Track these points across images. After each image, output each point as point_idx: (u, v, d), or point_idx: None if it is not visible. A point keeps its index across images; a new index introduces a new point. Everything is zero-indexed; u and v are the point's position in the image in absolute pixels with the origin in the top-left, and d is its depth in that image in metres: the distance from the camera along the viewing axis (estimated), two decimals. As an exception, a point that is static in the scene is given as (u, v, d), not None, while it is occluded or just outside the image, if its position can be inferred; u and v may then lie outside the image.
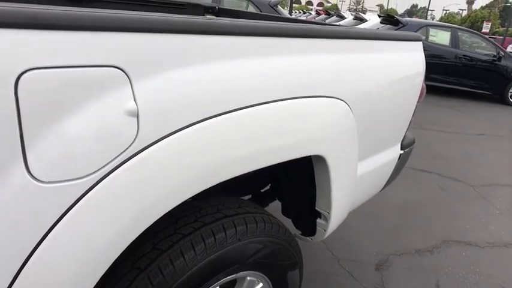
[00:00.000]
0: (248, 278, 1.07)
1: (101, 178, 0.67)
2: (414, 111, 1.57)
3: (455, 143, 4.66)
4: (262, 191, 1.60)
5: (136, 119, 0.69)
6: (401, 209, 2.79)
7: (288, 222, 1.44)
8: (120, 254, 0.90)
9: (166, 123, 0.73)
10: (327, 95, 1.06)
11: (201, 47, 0.77)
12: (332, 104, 1.08)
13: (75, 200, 0.65)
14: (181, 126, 0.75)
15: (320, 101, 1.04)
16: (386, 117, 1.38)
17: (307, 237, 1.36)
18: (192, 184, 0.78)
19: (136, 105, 0.69)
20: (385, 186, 1.63)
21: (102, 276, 0.89)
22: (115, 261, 0.89)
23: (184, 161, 0.76)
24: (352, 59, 1.17)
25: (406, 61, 1.45)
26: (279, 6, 7.81)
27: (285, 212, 1.46)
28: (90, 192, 0.66)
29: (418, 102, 1.56)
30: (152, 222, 0.75)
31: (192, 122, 0.76)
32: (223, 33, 0.80)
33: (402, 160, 1.62)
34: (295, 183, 1.31)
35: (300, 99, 0.98)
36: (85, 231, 0.66)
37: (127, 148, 0.69)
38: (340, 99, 1.10)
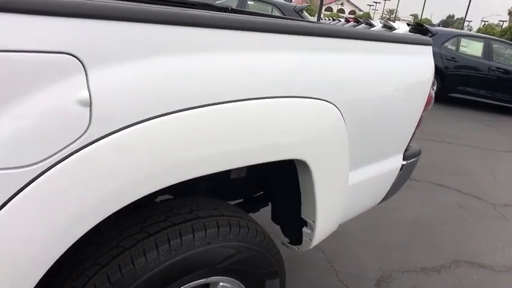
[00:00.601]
0: (221, 284, 1.03)
1: (47, 168, 0.65)
2: (420, 121, 1.47)
3: (480, 159, 4.41)
4: (255, 195, 1.55)
5: (89, 109, 0.67)
6: (412, 224, 2.65)
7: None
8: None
9: (123, 115, 0.70)
10: (313, 97, 1.00)
11: (168, 38, 0.74)
12: (319, 106, 1.02)
13: (17, 190, 0.63)
14: (139, 120, 0.71)
15: (305, 102, 0.98)
16: (385, 126, 1.30)
17: (294, 246, 1.30)
18: (147, 182, 0.74)
19: (90, 95, 0.66)
20: (385, 198, 1.54)
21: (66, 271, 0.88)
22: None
23: (140, 157, 0.72)
24: (348, 60, 1.11)
25: (413, 66, 1.36)
26: (304, 12, 7.76)
27: (274, 218, 1.41)
28: (35, 182, 0.64)
29: (424, 111, 1.47)
30: (101, 219, 0.72)
31: (152, 116, 0.73)
32: (195, 25, 0.77)
33: (405, 172, 1.52)
34: (282, 188, 1.26)
35: (282, 98, 0.93)
36: (25, 224, 0.64)
37: (77, 139, 0.66)
38: (330, 102, 1.04)
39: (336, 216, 1.23)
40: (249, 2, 7.60)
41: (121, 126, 0.70)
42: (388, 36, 1.26)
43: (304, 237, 1.23)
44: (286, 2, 8.03)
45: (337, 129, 1.07)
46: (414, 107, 1.41)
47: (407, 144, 1.46)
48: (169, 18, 0.74)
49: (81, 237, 0.78)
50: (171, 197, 1.18)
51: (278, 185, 1.29)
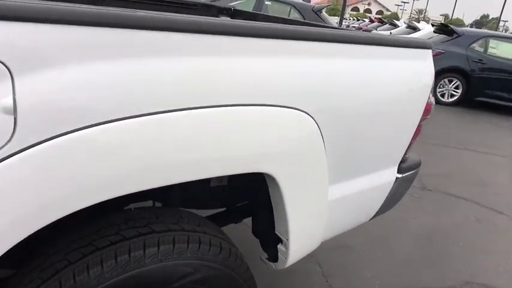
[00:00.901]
0: (178, 303, 0.96)
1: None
2: (418, 130, 1.35)
3: (504, 169, 4.14)
4: (239, 205, 1.48)
5: (13, 117, 0.62)
6: (422, 238, 2.49)
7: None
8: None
9: (52, 125, 0.65)
10: (283, 105, 0.92)
11: (107, 42, 0.68)
12: (289, 116, 0.93)
13: None
14: (72, 129, 0.66)
15: (273, 111, 0.90)
16: (374, 137, 1.19)
17: (271, 263, 1.22)
18: (77, 197, 0.69)
19: (15, 102, 0.62)
20: (378, 213, 1.43)
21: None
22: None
23: (71, 170, 0.67)
24: (329, 66, 1.02)
25: (408, 71, 1.25)
26: (323, 12, 7.60)
27: (253, 231, 1.33)
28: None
29: (423, 119, 1.35)
30: (27, 234, 0.67)
31: (88, 125, 0.67)
32: (140, 27, 0.71)
33: (400, 185, 1.41)
34: (258, 200, 1.18)
35: (245, 107, 0.86)
36: None
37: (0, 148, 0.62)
38: (304, 112, 0.96)
39: (315, 234, 1.14)
40: (266, 3, 7.52)
41: (51, 136, 0.65)
42: (379, 40, 1.15)
43: (279, 255, 1.14)
44: (304, 2, 7.89)
45: (310, 141, 0.98)
46: (410, 115, 1.29)
47: (402, 156, 1.34)
48: (106, 20, 0.68)
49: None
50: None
51: (255, 197, 1.21)
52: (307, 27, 0.98)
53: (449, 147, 4.57)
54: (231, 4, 7.58)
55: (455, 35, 6.69)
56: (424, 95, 1.30)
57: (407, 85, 1.24)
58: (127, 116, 0.70)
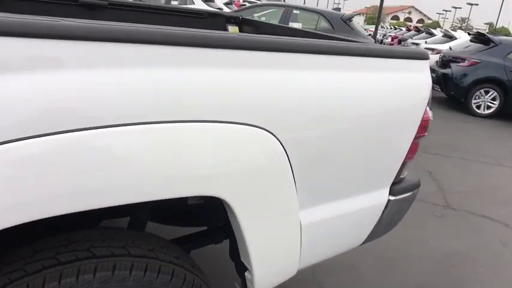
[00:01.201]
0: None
1: None
2: (413, 148, 1.21)
3: (543, 188, 3.76)
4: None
5: None
6: (439, 262, 2.27)
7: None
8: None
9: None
10: (238, 122, 0.83)
11: (24, 53, 0.64)
12: (246, 134, 0.85)
13: None
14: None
15: (225, 129, 0.82)
16: (357, 156, 1.07)
17: (243, 289, 1.12)
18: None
19: None
20: (371, 237, 1.29)
21: None
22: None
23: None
24: (302, 79, 0.93)
25: (401, 84, 1.13)
26: (353, 20, 7.42)
27: (230, 254, 1.23)
28: None
29: (420, 136, 1.21)
30: None
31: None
32: (60, 37, 0.66)
33: (395, 208, 1.26)
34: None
35: (192, 123, 0.78)
36: None
37: None
38: (265, 130, 0.87)
39: (286, 261, 1.03)
40: (294, 12, 7.46)
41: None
42: (367, 50, 1.04)
43: (247, 283, 1.05)
44: (333, 11, 7.74)
45: (272, 163, 0.88)
46: (402, 132, 1.16)
47: (394, 176, 1.21)
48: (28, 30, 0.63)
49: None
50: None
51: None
52: (276, 37, 0.88)
53: (480, 162, 4.23)
54: (259, 14, 7.58)
55: (492, 44, 6.28)
56: (419, 110, 1.16)
57: (399, 99, 1.12)
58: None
